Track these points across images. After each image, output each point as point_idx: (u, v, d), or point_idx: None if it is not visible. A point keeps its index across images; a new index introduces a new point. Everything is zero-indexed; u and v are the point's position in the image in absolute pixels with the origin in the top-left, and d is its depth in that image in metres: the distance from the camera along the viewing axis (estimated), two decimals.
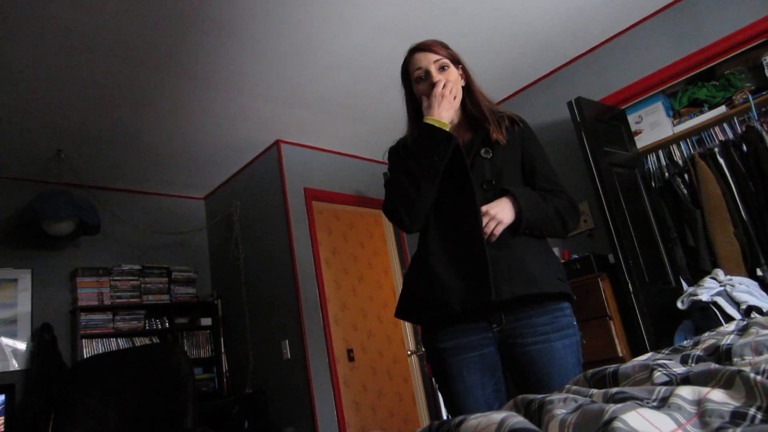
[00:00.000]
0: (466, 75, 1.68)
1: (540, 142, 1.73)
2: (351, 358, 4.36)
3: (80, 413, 2.43)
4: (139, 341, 4.28)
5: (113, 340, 4.17)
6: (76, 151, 3.96)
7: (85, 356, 3.94)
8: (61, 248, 4.24)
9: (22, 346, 3.86)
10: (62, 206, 3.75)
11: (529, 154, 1.67)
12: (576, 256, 3.51)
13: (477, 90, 1.67)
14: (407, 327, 4.82)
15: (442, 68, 1.61)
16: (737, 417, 0.62)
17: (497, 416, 0.69)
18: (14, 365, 3.79)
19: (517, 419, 0.66)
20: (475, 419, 0.71)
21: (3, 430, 3.45)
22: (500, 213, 1.46)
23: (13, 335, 3.86)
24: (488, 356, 1.50)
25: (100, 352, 4.02)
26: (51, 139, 3.76)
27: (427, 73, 1.60)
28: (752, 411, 0.62)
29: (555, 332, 1.46)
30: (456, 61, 1.65)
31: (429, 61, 1.60)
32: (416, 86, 1.64)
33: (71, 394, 2.50)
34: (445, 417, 3.78)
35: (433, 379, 1.63)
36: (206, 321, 4.73)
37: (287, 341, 4.08)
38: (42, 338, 3.82)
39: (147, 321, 4.40)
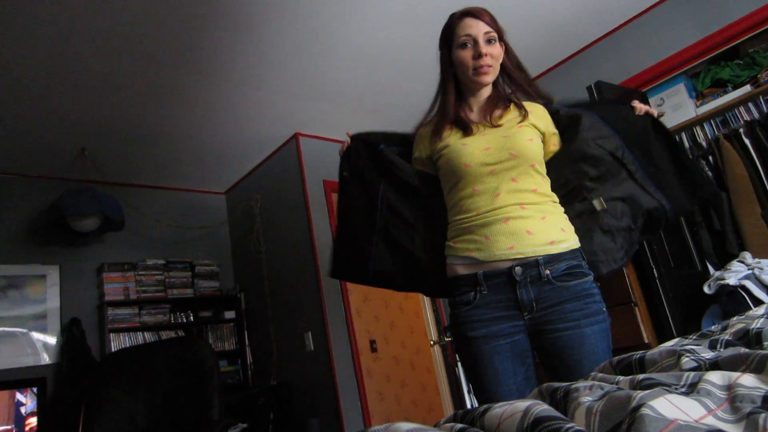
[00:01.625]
0: (506, 50, 1.67)
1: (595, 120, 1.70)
2: (374, 349, 4.38)
3: (109, 405, 2.48)
4: (164, 335, 4.35)
5: (140, 333, 4.25)
6: (100, 149, 4.02)
7: (112, 350, 4.01)
8: (87, 244, 4.31)
9: (52, 340, 3.95)
10: (87, 203, 3.81)
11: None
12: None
13: (511, 67, 1.67)
14: (430, 317, 4.82)
15: (489, 41, 1.60)
16: None
17: (522, 404, 0.68)
18: (45, 359, 3.88)
19: (543, 407, 0.66)
20: (500, 407, 0.71)
21: (36, 421, 3.54)
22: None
23: (43, 330, 3.95)
24: (519, 343, 1.50)
25: (128, 345, 4.09)
26: (75, 137, 3.82)
27: (476, 41, 1.59)
28: None
29: (585, 318, 1.45)
30: (501, 36, 1.64)
31: (480, 30, 1.60)
32: (459, 51, 1.62)
33: (100, 387, 2.56)
34: (469, 406, 3.78)
35: (462, 368, 1.65)
36: (230, 314, 4.79)
37: (310, 333, 4.11)
38: (71, 333, 3.90)
39: (172, 315, 4.46)
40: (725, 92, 3.33)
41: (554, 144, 1.68)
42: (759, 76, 3.21)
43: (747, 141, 3.12)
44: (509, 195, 1.52)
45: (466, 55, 1.59)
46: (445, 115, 1.66)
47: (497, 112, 1.63)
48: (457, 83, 1.68)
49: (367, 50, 3.45)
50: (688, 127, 3.47)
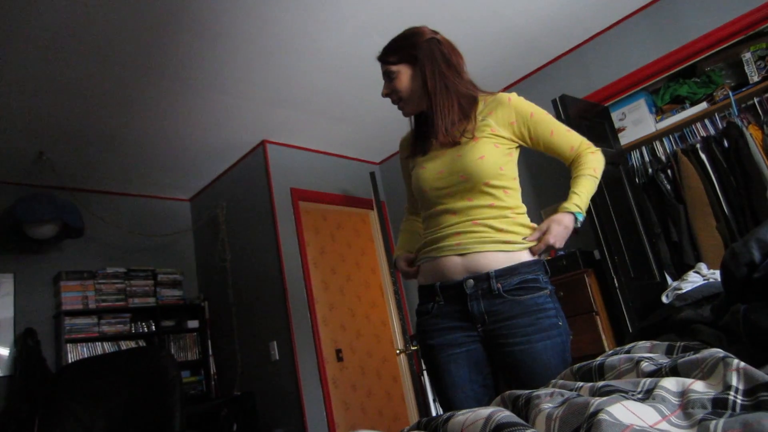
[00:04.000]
0: (424, 66, 1.59)
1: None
2: (340, 358, 4.36)
3: (66, 419, 2.40)
4: (125, 345, 4.25)
5: (98, 344, 4.13)
6: (59, 153, 3.92)
7: (69, 361, 3.89)
8: (44, 252, 4.18)
9: (4, 351, 3.81)
10: (44, 209, 3.70)
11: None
12: (562, 253, 3.54)
13: (430, 82, 1.59)
14: (396, 326, 4.82)
15: (389, 78, 1.63)
16: (718, 405, 0.62)
17: (484, 412, 0.69)
18: None
19: (504, 414, 0.67)
20: (463, 415, 0.71)
21: None
22: (558, 241, 1.54)
23: None
24: (474, 352, 1.52)
25: (86, 356, 3.97)
26: (32, 140, 3.71)
27: (385, 81, 1.67)
28: (732, 396, 0.63)
29: (537, 333, 1.46)
30: (411, 58, 1.60)
31: (382, 71, 1.66)
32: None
33: (56, 400, 2.47)
34: (434, 414, 3.79)
35: (426, 375, 1.68)
36: (193, 323, 4.70)
37: (275, 342, 4.06)
38: (25, 343, 3.77)
39: (133, 324, 4.36)
40: (683, 108, 3.45)
41: (538, 125, 1.60)
42: (715, 94, 3.33)
43: (703, 156, 3.24)
44: (463, 213, 1.55)
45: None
46: (411, 135, 1.76)
47: (454, 128, 1.58)
48: None
49: (335, 58, 3.46)
50: (648, 141, 3.58)
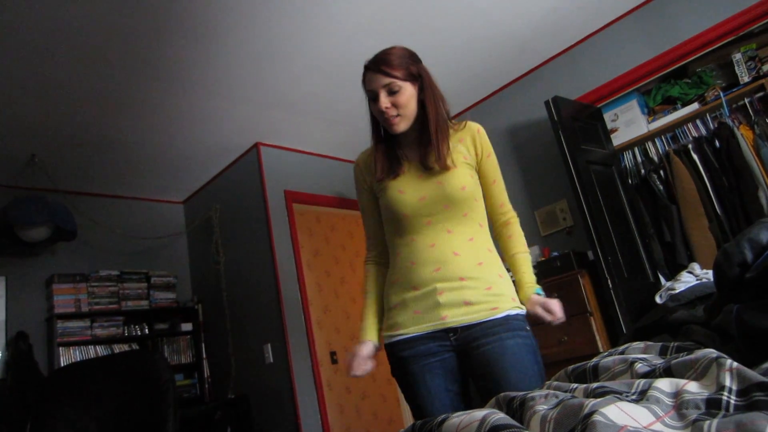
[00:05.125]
0: (423, 89, 1.61)
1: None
2: (334, 361, 4.35)
3: (58, 423, 2.39)
4: (118, 348, 4.22)
5: (91, 347, 4.10)
6: (51, 155, 3.89)
7: (62, 364, 3.86)
8: (36, 255, 4.16)
9: None
10: (37, 212, 3.68)
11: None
12: (556, 254, 3.55)
13: (431, 107, 1.60)
14: None
15: (391, 92, 1.57)
16: (712, 405, 0.62)
17: (479, 414, 0.69)
18: None
19: (499, 416, 0.67)
20: (458, 417, 0.71)
21: None
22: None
23: None
24: (448, 361, 1.53)
25: (78, 360, 3.95)
26: (25, 143, 3.69)
27: (377, 95, 1.57)
28: (725, 396, 0.63)
29: (506, 332, 1.49)
30: (413, 77, 1.59)
31: (379, 83, 1.56)
32: (370, 103, 1.64)
33: (48, 404, 2.46)
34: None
35: (400, 389, 1.64)
36: (187, 326, 4.68)
37: (269, 345, 4.05)
38: (17, 347, 3.74)
39: (126, 327, 4.33)
40: (675, 109, 3.47)
41: (489, 167, 1.67)
42: (706, 94, 3.36)
43: (695, 156, 3.26)
44: (444, 245, 1.57)
45: (375, 108, 1.60)
46: (378, 156, 1.67)
47: (430, 153, 1.59)
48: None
49: (329, 60, 3.46)
50: (641, 142, 3.59)
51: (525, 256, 1.67)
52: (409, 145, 1.65)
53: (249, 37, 3.08)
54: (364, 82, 1.63)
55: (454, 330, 1.51)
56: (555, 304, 1.55)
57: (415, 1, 3.07)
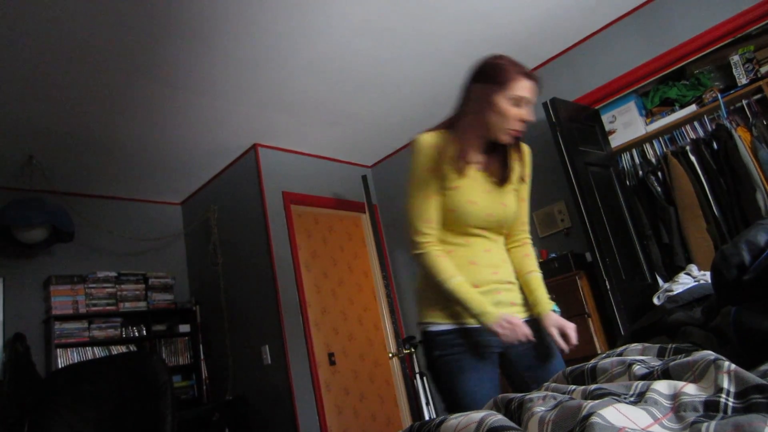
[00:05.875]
0: None
1: None
2: (332, 362, 4.34)
3: (56, 425, 2.38)
4: (116, 349, 4.21)
5: (89, 348, 4.09)
6: (49, 157, 3.89)
7: (60, 366, 3.86)
8: (33, 256, 4.15)
9: None
10: (34, 213, 3.67)
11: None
12: (554, 255, 3.55)
13: None
14: (389, 329, 4.82)
15: (528, 107, 1.63)
16: (710, 407, 0.62)
17: (477, 415, 0.69)
18: None
19: (497, 418, 0.67)
20: (455, 419, 0.71)
21: None
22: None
23: None
24: (495, 354, 1.67)
25: (76, 361, 3.94)
26: (22, 145, 3.69)
27: (525, 105, 1.61)
28: (723, 398, 0.63)
29: (539, 331, 1.69)
30: None
31: (533, 97, 1.62)
32: (506, 104, 1.59)
33: (46, 406, 2.45)
34: (427, 418, 3.78)
35: (437, 382, 1.68)
36: (184, 328, 4.67)
37: (267, 346, 4.05)
38: (14, 349, 3.73)
39: (124, 329, 4.33)
40: (673, 111, 3.48)
41: (525, 187, 1.81)
42: (704, 96, 3.36)
43: (693, 158, 3.26)
44: (496, 252, 1.73)
45: (512, 112, 1.59)
46: (461, 150, 1.65)
47: (502, 170, 1.70)
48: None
49: (327, 62, 3.46)
50: (639, 143, 3.60)
51: (540, 275, 1.79)
52: (479, 151, 1.69)
53: (247, 38, 3.08)
54: (515, 81, 1.59)
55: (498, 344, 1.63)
56: (571, 330, 1.65)
57: (412, 4, 3.07)
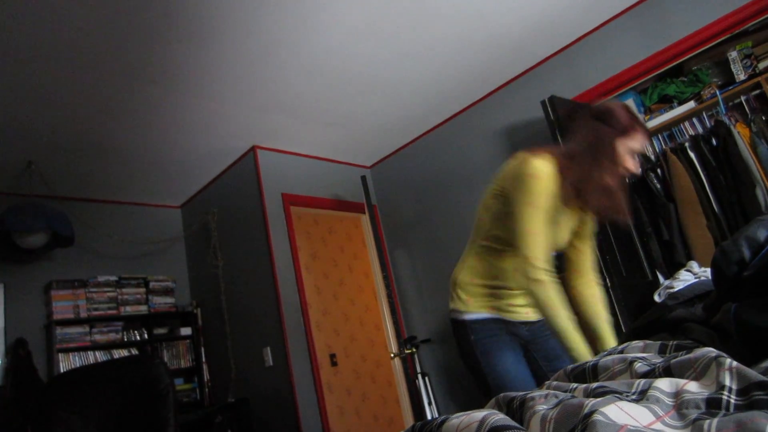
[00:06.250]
0: None
1: None
2: (334, 363, 4.34)
3: (58, 429, 2.38)
4: (117, 353, 4.21)
5: (90, 353, 4.09)
6: (48, 162, 3.89)
7: (61, 371, 3.85)
8: (34, 261, 4.15)
9: None
10: (34, 218, 3.67)
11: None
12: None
13: None
14: (390, 330, 4.81)
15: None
16: (712, 405, 0.62)
17: (478, 415, 0.69)
18: None
19: (498, 417, 0.67)
20: (457, 418, 0.71)
21: None
22: None
23: None
24: (521, 343, 1.94)
25: (78, 365, 3.94)
26: (21, 150, 3.68)
27: (635, 157, 1.71)
28: (725, 396, 0.63)
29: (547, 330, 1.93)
30: None
31: (642, 150, 1.74)
32: (625, 152, 1.67)
33: (48, 410, 2.45)
34: (429, 418, 3.78)
35: (475, 363, 1.86)
36: (186, 330, 4.67)
37: (269, 348, 4.04)
38: (16, 354, 3.73)
39: (125, 332, 4.33)
40: (671, 108, 3.48)
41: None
42: (702, 92, 3.36)
43: (692, 154, 3.26)
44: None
45: (629, 162, 1.69)
46: (582, 189, 1.70)
47: (578, 206, 1.82)
48: None
49: (325, 63, 3.46)
50: None
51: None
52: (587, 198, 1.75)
53: (245, 40, 3.08)
54: (637, 134, 1.67)
55: (531, 323, 1.95)
56: None
57: (410, 3, 3.07)
